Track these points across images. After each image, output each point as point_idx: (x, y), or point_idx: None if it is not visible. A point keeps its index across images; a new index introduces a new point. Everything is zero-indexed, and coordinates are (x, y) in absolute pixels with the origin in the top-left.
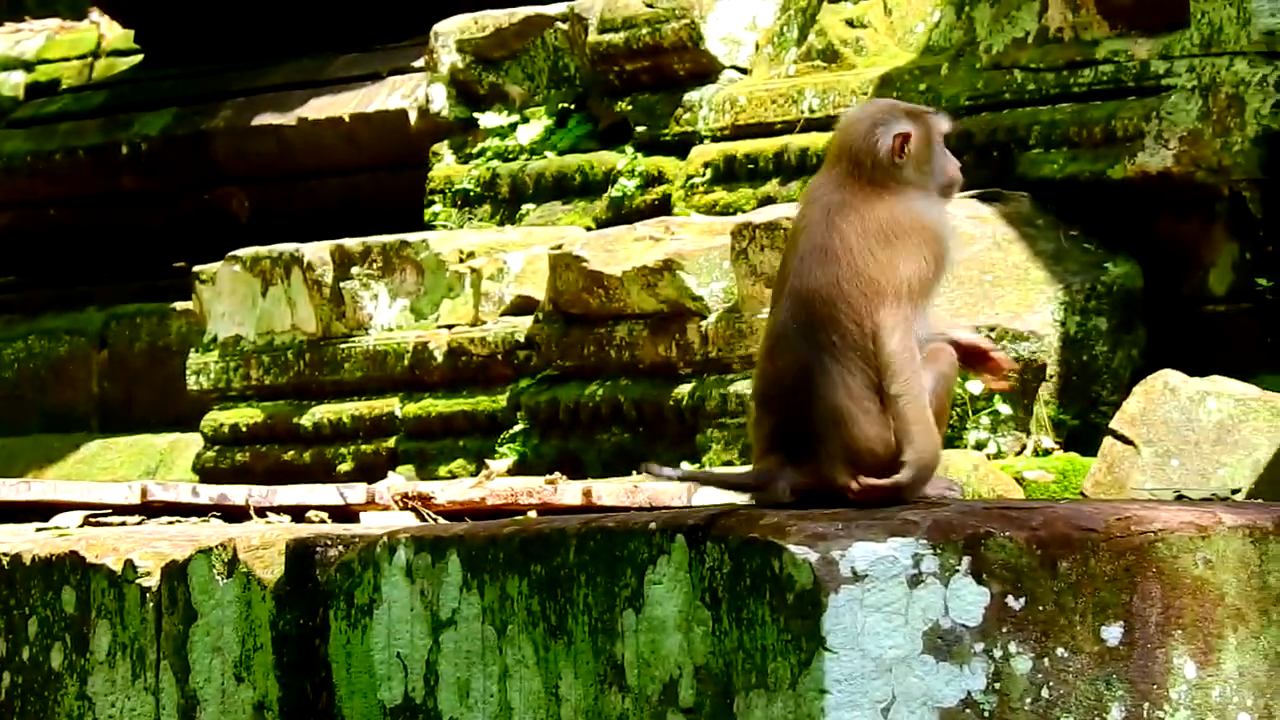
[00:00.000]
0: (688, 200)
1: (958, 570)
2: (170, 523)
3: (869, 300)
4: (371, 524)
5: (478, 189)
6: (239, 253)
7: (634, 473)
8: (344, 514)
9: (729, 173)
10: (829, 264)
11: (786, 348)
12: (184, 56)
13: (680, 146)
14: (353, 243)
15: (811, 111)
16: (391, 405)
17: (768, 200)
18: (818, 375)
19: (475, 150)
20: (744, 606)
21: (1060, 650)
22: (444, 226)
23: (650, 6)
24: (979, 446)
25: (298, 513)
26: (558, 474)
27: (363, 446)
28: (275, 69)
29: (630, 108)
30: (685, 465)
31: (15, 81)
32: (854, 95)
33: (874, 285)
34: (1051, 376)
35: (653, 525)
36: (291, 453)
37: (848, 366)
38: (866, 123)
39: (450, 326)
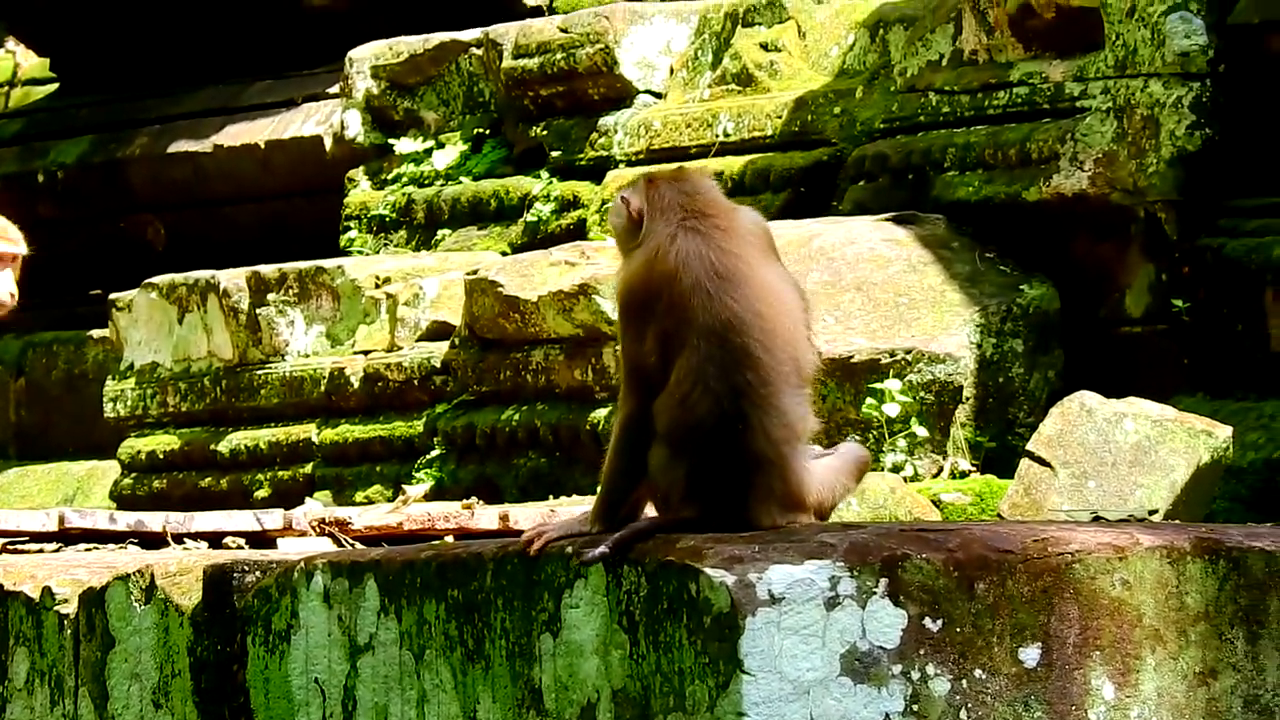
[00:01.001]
0: (603, 225)
1: (875, 592)
2: (88, 549)
3: (796, 323)
4: (289, 550)
5: (393, 215)
6: (155, 280)
7: (550, 497)
8: (261, 540)
9: None
10: (740, 290)
11: (711, 388)
12: (100, 84)
13: (595, 171)
14: (269, 269)
15: (726, 136)
16: (308, 431)
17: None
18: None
19: (391, 176)
20: (661, 630)
21: (978, 672)
22: (360, 252)
23: (565, 32)
24: (896, 469)
25: (215, 539)
26: (474, 499)
27: (280, 473)
28: (191, 96)
29: (545, 133)
30: None
31: None
32: (769, 119)
33: (792, 307)
34: (968, 399)
35: (569, 549)
36: (209, 479)
37: (784, 392)
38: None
39: (366, 352)
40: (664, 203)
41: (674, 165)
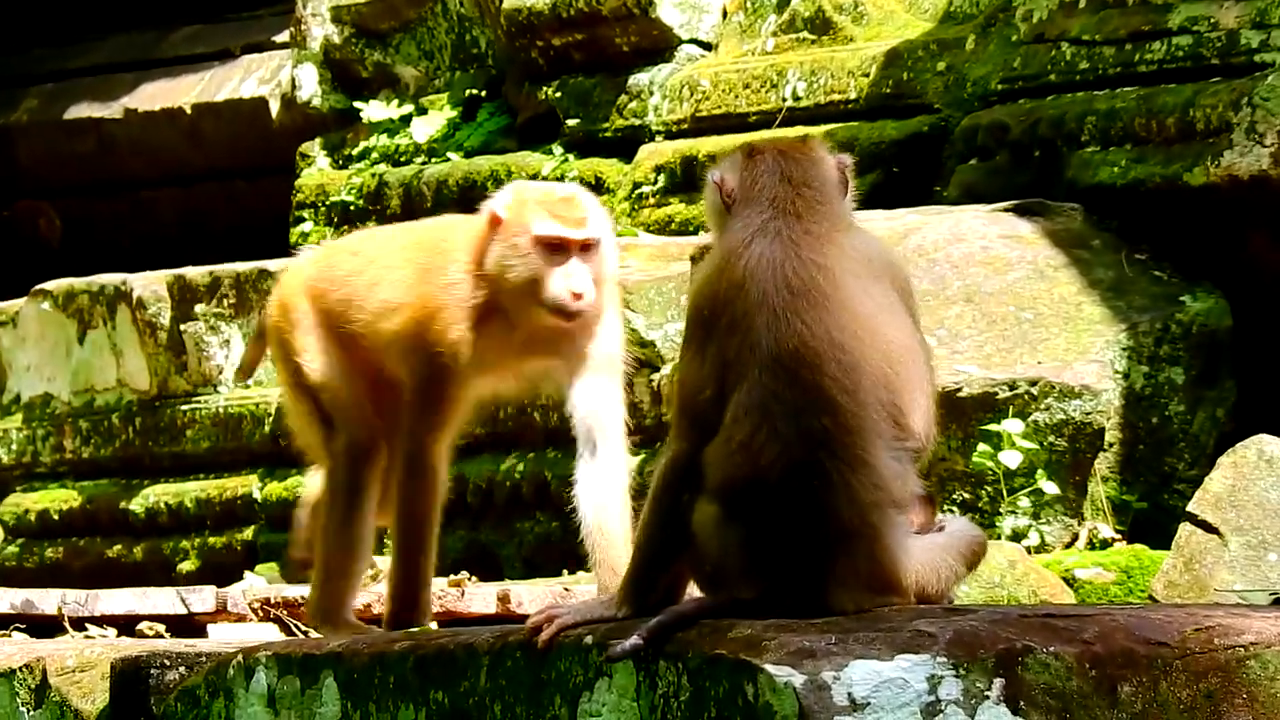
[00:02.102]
0: (634, 215)
1: (988, 696)
2: None
3: (896, 358)
4: (223, 639)
5: (360, 201)
6: (48, 286)
7: (564, 571)
8: (187, 626)
9: (688, 179)
10: (814, 312)
11: (778, 431)
12: None
13: (624, 145)
14: (196, 273)
15: (796, 99)
16: (248, 485)
17: None
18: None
19: (356, 151)
20: None
21: None
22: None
23: None
24: (1017, 536)
25: (127, 624)
26: (465, 573)
27: (211, 539)
28: (95, 46)
29: (559, 95)
30: None
31: None
32: (852, 77)
33: (895, 340)
34: (1111, 445)
35: (589, 639)
36: (119, 547)
37: (874, 445)
38: (802, 155)
39: None
40: (758, 188)
41: (795, 135)
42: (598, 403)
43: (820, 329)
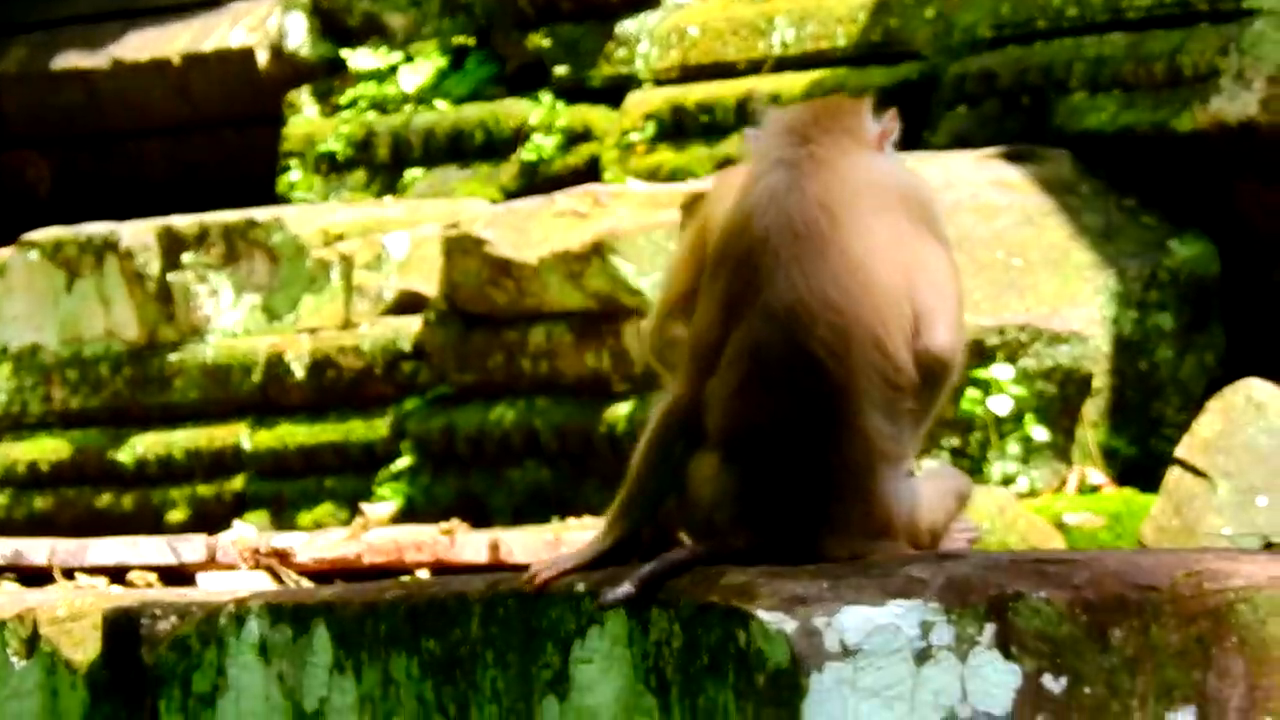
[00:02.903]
0: (623, 163)
1: (979, 642)
2: None
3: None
4: (213, 589)
5: (348, 150)
6: (36, 236)
7: (554, 519)
8: (177, 575)
9: (677, 127)
10: (812, 263)
11: (770, 381)
12: None
13: (613, 93)
14: (184, 222)
15: (784, 46)
16: (237, 434)
17: (728, 163)
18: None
19: (344, 100)
20: (701, 692)
21: None
22: (304, 200)
23: None
24: (1006, 482)
25: (117, 574)
26: (455, 522)
27: (200, 488)
28: None
29: (547, 43)
30: None
31: None
32: (840, 24)
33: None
34: (1100, 391)
35: (580, 587)
36: (107, 496)
37: (867, 409)
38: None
39: (313, 331)
40: (781, 124)
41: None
42: None
43: (816, 283)
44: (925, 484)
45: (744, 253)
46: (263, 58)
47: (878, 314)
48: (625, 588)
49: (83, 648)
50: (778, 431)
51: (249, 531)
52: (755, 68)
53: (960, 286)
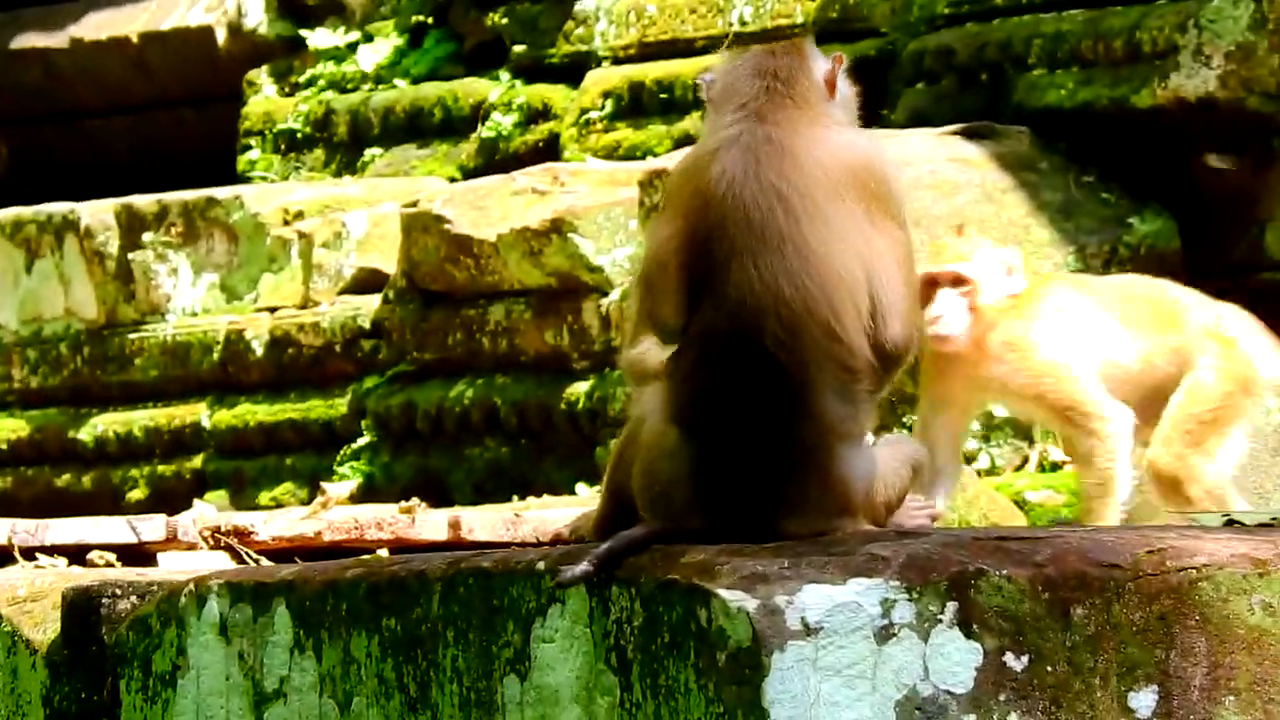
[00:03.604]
0: (582, 141)
1: (940, 620)
2: None
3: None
4: (173, 568)
5: (307, 129)
6: None
7: (515, 496)
8: (137, 555)
9: (635, 105)
10: (766, 256)
11: (724, 369)
12: None
13: (572, 71)
14: (144, 201)
15: (742, 24)
16: (197, 413)
17: (686, 140)
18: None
19: (303, 79)
20: (662, 670)
21: None
22: (263, 179)
23: None
24: (968, 460)
25: (77, 554)
26: (415, 500)
27: (160, 467)
28: None
29: (505, 21)
30: (582, 488)
31: None
32: (798, 2)
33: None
34: None
35: (541, 565)
36: (67, 476)
37: (821, 394)
38: (783, 51)
39: (273, 309)
40: (735, 83)
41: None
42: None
43: (769, 275)
44: (881, 454)
45: (701, 241)
46: (221, 36)
47: (830, 305)
48: (583, 566)
49: (43, 627)
50: (733, 414)
51: (209, 510)
52: (714, 45)
53: (913, 273)
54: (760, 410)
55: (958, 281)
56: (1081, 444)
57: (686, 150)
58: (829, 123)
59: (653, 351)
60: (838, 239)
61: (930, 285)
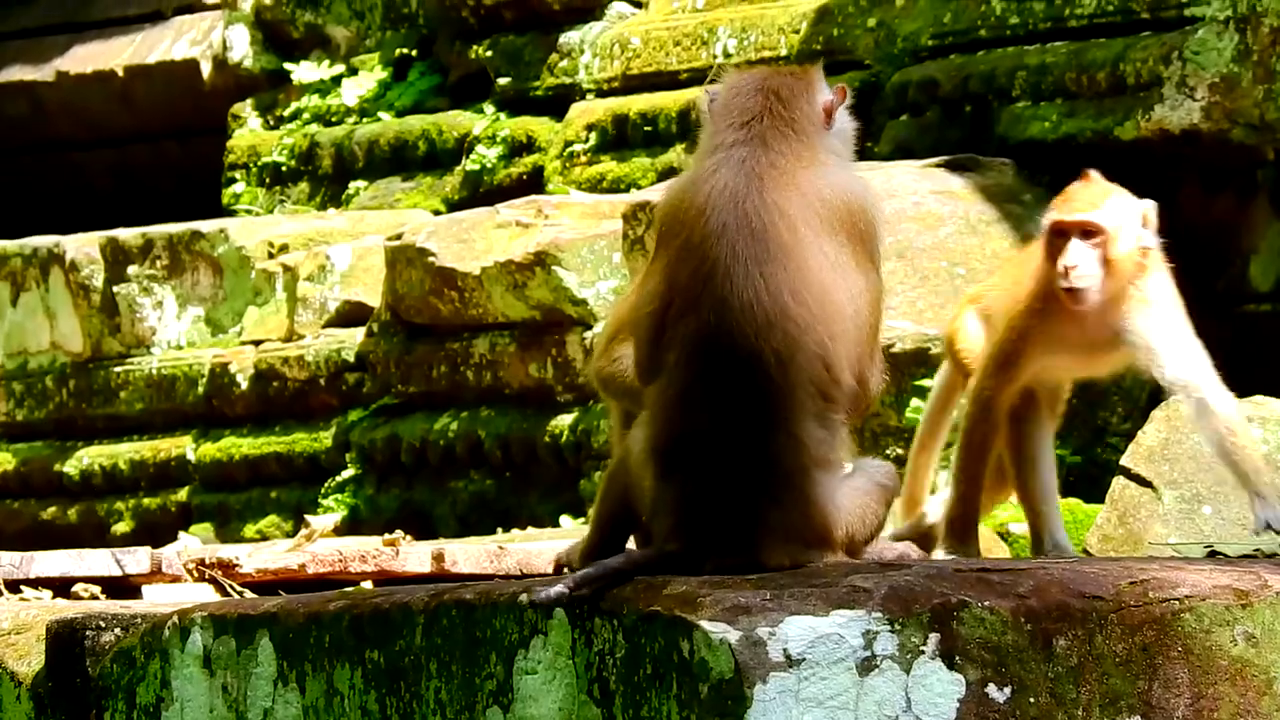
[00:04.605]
0: (566, 174)
1: (923, 652)
2: None
3: (827, 335)
4: (158, 600)
5: (291, 162)
6: None
7: (499, 529)
8: (122, 587)
9: (620, 137)
10: (769, 267)
11: (714, 378)
12: None
13: (556, 104)
14: (129, 234)
15: (727, 55)
16: (182, 446)
17: (670, 172)
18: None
19: (288, 112)
20: (645, 701)
21: None
22: (248, 211)
23: None
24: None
25: (62, 586)
26: (400, 533)
27: (145, 500)
28: (25, 8)
29: (490, 54)
30: (566, 521)
31: None
32: (782, 33)
33: (832, 319)
34: None
35: (524, 598)
36: (53, 509)
37: (802, 417)
38: (788, 77)
39: (258, 343)
40: (735, 106)
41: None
42: (1179, 364)
43: (774, 286)
44: (857, 484)
45: (697, 241)
46: (206, 70)
47: (827, 329)
48: (559, 588)
49: (27, 660)
50: (716, 435)
51: (194, 543)
52: (698, 78)
53: (881, 319)
54: (745, 427)
55: (1089, 232)
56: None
57: (672, 180)
58: (825, 154)
59: (625, 360)
60: (832, 268)
61: (1058, 235)
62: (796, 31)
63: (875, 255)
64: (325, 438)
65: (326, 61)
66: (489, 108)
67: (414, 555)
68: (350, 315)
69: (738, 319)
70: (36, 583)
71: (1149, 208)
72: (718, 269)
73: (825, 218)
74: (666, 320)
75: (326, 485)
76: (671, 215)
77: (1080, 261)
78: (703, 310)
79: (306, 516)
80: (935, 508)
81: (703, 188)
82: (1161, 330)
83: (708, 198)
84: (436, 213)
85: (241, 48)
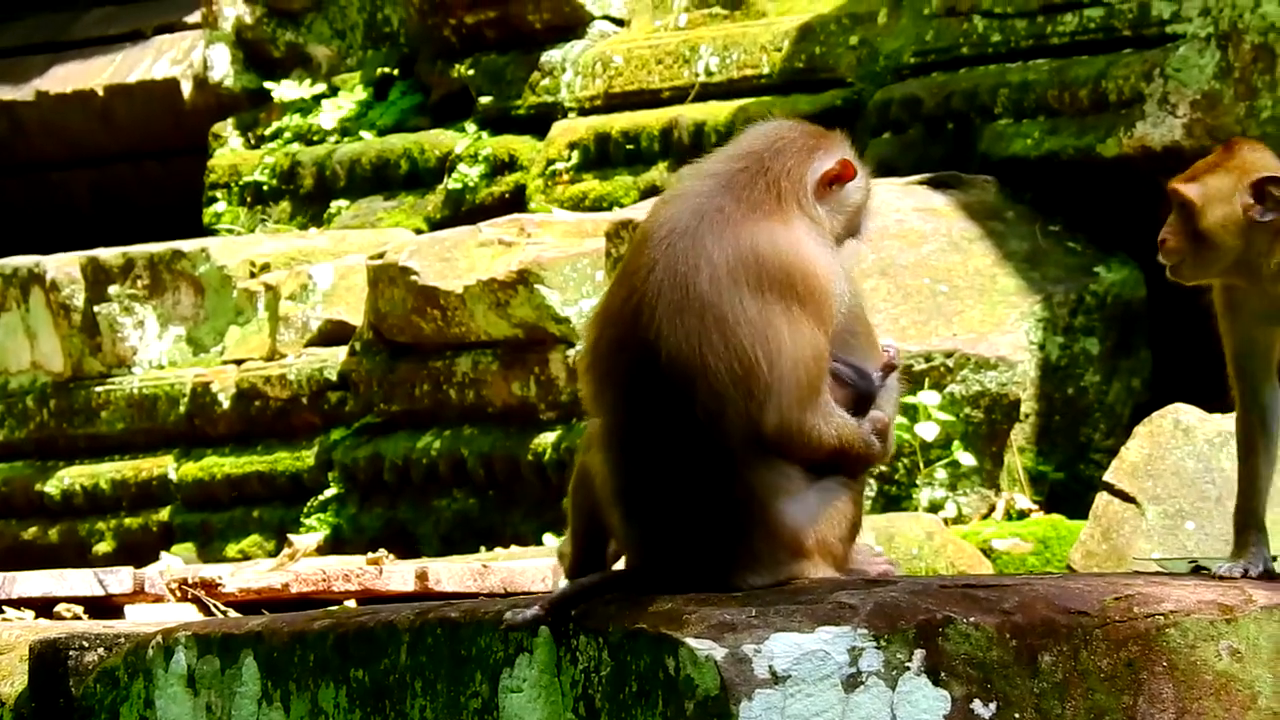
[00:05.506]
0: (548, 192)
1: (909, 668)
2: None
3: (746, 393)
4: (140, 620)
5: (273, 181)
6: None
7: (482, 548)
8: (105, 607)
9: (602, 156)
10: (687, 316)
11: (652, 434)
12: None
13: (538, 122)
14: (110, 254)
15: (709, 74)
16: (164, 465)
17: (653, 191)
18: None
19: (269, 131)
20: (630, 719)
21: None
22: (229, 231)
23: None
24: (934, 508)
25: (44, 606)
26: (383, 551)
27: (127, 520)
28: (7, 28)
29: (472, 73)
30: (550, 539)
31: None
32: (765, 51)
33: (751, 376)
34: (1027, 416)
35: (508, 615)
36: (34, 529)
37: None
38: (802, 134)
39: (239, 362)
40: (740, 140)
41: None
42: None
43: (693, 339)
44: (824, 496)
45: (628, 274)
46: (187, 89)
47: (747, 389)
48: (534, 610)
49: (10, 680)
50: (667, 479)
51: (176, 563)
52: (680, 96)
53: (818, 375)
54: (692, 473)
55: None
56: None
57: (653, 200)
58: (797, 218)
59: None
60: (749, 324)
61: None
62: (779, 50)
63: (815, 313)
64: (308, 457)
65: (308, 81)
66: (471, 126)
67: (397, 574)
68: (332, 334)
69: (666, 368)
70: (18, 603)
71: None
72: (644, 308)
73: (754, 273)
74: (599, 346)
75: (309, 504)
76: (636, 234)
77: (1169, 234)
78: (634, 350)
79: (289, 536)
80: None
81: (654, 215)
82: None
83: (652, 229)
84: (418, 231)
85: (222, 67)
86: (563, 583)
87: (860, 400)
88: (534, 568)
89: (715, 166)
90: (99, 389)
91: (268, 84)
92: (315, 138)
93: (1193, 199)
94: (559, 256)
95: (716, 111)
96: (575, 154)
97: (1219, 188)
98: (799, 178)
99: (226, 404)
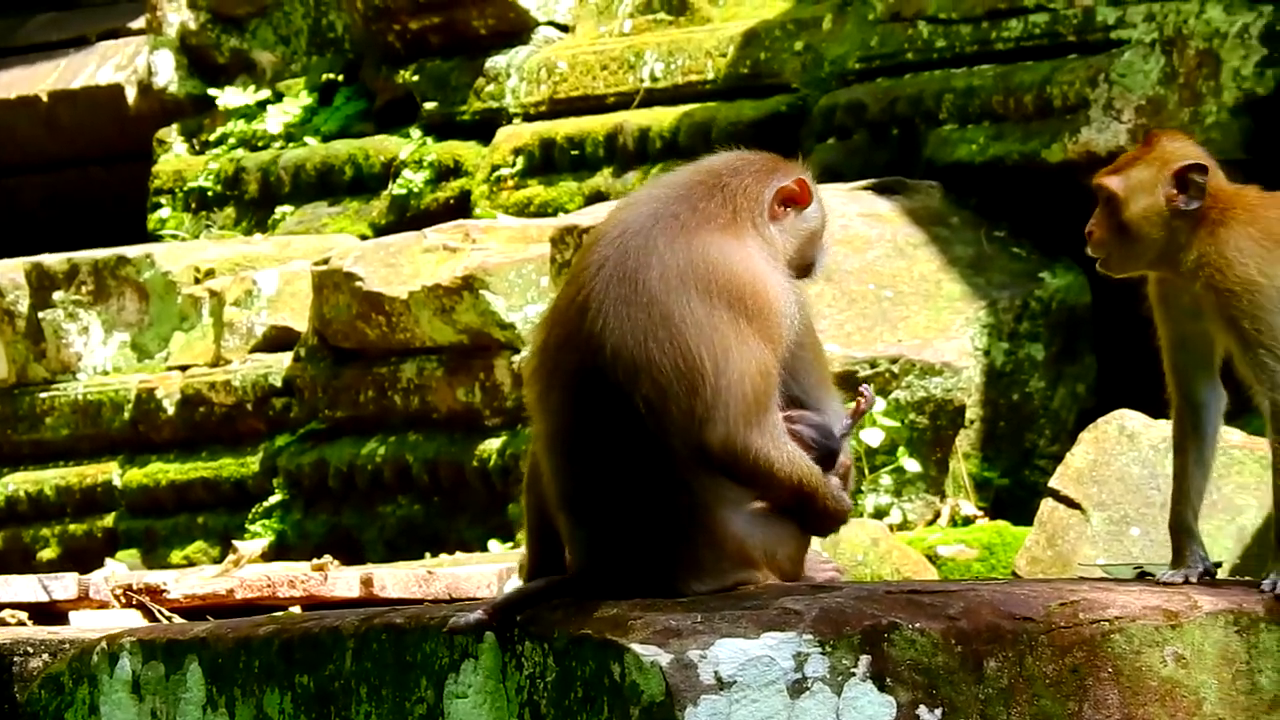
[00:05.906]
0: (493, 198)
1: (854, 673)
2: None
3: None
4: (85, 626)
5: (217, 187)
6: None
7: (427, 554)
8: (49, 613)
9: (547, 161)
10: (634, 310)
11: (595, 434)
12: None
13: (483, 128)
14: (54, 260)
15: (654, 79)
16: (108, 472)
17: (598, 196)
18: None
19: (214, 137)
20: None
21: None
22: (174, 237)
23: None
24: (879, 514)
25: None
26: (328, 557)
27: (71, 526)
28: None
29: (416, 79)
30: (495, 545)
31: None
32: (710, 57)
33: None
34: (972, 422)
35: (454, 620)
36: None
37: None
38: (763, 158)
39: (184, 368)
40: (704, 159)
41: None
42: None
43: (639, 331)
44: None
45: (578, 273)
46: (131, 95)
47: (690, 386)
48: (477, 614)
49: None
50: (611, 482)
51: (121, 569)
52: (625, 102)
53: (765, 393)
54: (635, 476)
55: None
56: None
57: (598, 206)
58: (749, 235)
59: None
60: (697, 327)
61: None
62: (724, 55)
63: (763, 330)
64: (252, 463)
65: (252, 86)
66: (415, 132)
67: (342, 580)
68: (277, 340)
69: (610, 363)
70: None
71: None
72: (591, 303)
73: (703, 280)
74: (547, 346)
75: (254, 510)
76: (588, 236)
77: (1095, 227)
78: (580, 348)
79: (234, 542)
80: None
81: (608, 219)
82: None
83: (605, 230)
84: (363, 237)
85: (166, 73)
86: (509, 587)
87: (825, 460)
88: (479, 573)
89: (674, 178)
90: (43, 395)
91: (212, 90)
92: (260, 144)
93: (1116, 191)
94: (504, 262)
95: (662, 117)
96: (520, 160)
97: (1141, 179)
98: (755, 195)
99: (171, 410)
